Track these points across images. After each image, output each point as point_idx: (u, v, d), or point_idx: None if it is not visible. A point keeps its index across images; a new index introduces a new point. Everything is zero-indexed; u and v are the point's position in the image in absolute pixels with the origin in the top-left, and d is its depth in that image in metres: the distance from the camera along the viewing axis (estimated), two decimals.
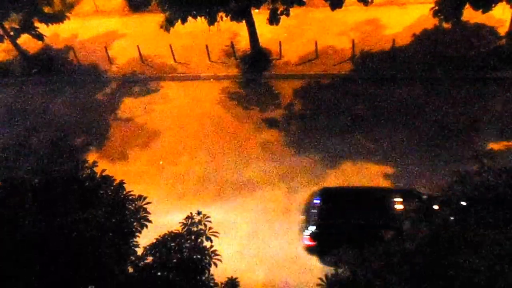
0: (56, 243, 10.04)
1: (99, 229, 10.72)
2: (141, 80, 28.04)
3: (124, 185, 12.55)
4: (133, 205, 12.27)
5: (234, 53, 27.85)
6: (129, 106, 26.88)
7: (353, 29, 27.99)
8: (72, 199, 10.90)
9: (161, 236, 13.18)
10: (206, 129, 24.88)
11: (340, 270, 12.54)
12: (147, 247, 12.87)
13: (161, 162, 23.87)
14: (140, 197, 12.57)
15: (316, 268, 18.38)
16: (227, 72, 27.38)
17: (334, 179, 21.82)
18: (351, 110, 24.33)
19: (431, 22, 25.99)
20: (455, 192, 12.32)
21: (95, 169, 12.22)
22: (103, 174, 12.11)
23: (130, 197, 12.26)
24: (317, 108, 24.78)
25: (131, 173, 22.73)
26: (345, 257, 12.94)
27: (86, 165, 11.91)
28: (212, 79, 27.31)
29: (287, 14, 24.41)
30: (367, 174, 21.74)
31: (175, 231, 13.20)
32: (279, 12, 24.26)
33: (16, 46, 28.75)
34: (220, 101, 26.17)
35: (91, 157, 22.10)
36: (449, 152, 21.69)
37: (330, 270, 12.89)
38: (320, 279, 12.75)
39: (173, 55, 28.13)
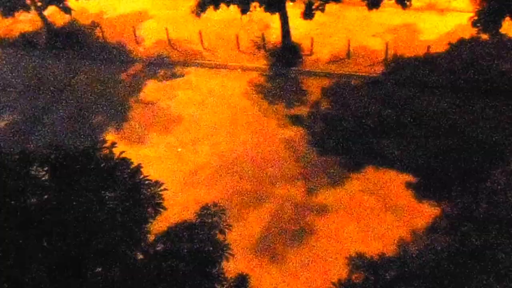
0: (68, 221, 9.60)
1: (112, 212, 10.28)
2: (167, 63, 27.54)
3: (141, 169, 12.16)
4: (149, 190, 11.88)
5: (264, 45, 27.20)
6: (152, 89, 26.42)
7: (388, 31, 27.15)
8: (87, 179, 10.46)
9: (174, 224, 12.80)
10: (228, 119, 24.32)
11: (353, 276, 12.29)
12: (159, 234, 12.48)
13: (179, 149, 23.37)
14: (156, 183, 12.16)
15: None
16: (255, 63, 26.75)
17: (355, 183, 21.13)
18: (379, 114, 23.54)
19: (468, 32, 25.03)
20: None
21: (113, 150, 11.84)
22: (121, 156, 11.68)
23: (146, 182, 11.86)
24: (344, 109, 24.04)
25: (147, 157, 22.25)
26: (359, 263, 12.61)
27: (105, 145, 11.48)
28: (239, 70, 26.70)
29: (322, 10, 23.73)
30: (388, 182, 21.00)
31: (189, 221, 12.81)
32: (314, 6, 23.58)
33: (43, 17, 28.46)
34: (246, 93, 25.56)
35: (109, 137, 21.64)
36: (476, 168, 20.72)
37: None
38: (333, 283, 12.31)
39: (201, 41, 27.58)
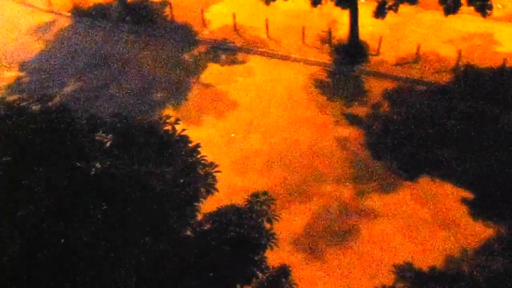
0: (126, 190, 9.75)
1: (169, 186, 10.38)
2: (230, 48, 27.57)
3: (199, 148, 12.29)
4: (203, 170, 11.97)
5: (330, 40, 26.69)
6: (213, 72, 26.52)
7: (462, 39, 26.00)
8: (149, 151, 10.63)
9: (223, 207, 12.79)
10: (284, 111, 24.08)
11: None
12: (207, 214, 12.51)
13: (232, 135, 23.38)
14: (211, 164, 12.25)
15: None
16: (318, 58, 26.30)
17: (407, 191, 20.43)
18: (442, 123, 22.57)
19: None
20: None
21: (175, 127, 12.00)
22: (182, 133, 11.87)
23: (202, 162, 11.97)
24: (406, 114, 23.22)
25: (200, 139, 21.86)
26: None
27: (168, 121, 11.65)
28: (301, 62, 26.34)
29: (396, 10, 22.97)
30: (443, 195, 20.17)
31: (238, 205, 12.77)
32: (388, 5, 22.86)
33: None
34: (305, 86, 25.21)
35: (167, 114, 21.96)
36: None
37: None
38: None
39: (267, 30, 27.41)
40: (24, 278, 9.55)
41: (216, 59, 27.19)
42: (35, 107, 12.50)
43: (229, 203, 12.85)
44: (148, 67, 27.07)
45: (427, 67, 25.00)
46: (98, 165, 9.96)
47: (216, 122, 23.97)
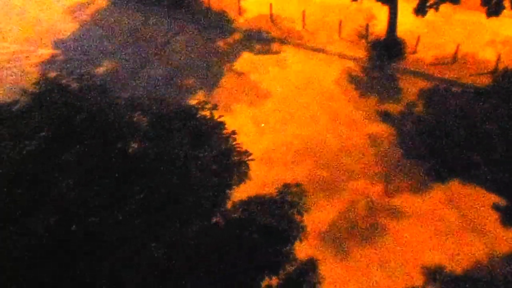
0: (163, 173, 9.78)
1: (204, 171, 10.37)
2: (265, 38, 27.39)
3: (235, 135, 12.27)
4: (238, 157, 11.94)
5: (366, 36, 26.30)
6: (247, 61, 26.41)
7: (503, 42, 25.33)
8: (186, 136, 10.62)
9: (254, 196, 12.76)
10: (316, 104, 23.86)
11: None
12: (237, 202, 12.50)
13: (262, 125, 23.28)
14: (246, 152, 12.21)
15: None
16: (354, 53, 25.96)
17: (438, 193, 20.08)
18: (478, 127, 22.04)
19: None
20: None
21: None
22: (219, 120, 11.84)
23: (237, 149, 11.93)
24: (440, 115, 22.78)
25: (230, 127, 22.29)
26: None
27: (207, 106, 11.63)
28: (336, 56, 26.03)
29: (437, 8, 22.52)
30: (474, 199, 19.77)
31: (268, 195, 12.74)
32: (429, 3, 22.38)
33: None
34: (339, 80, 24.93)
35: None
36: None
37: None
38: None
39: (303, 21, 27.14)
40: (58, 248, 9.69)
41: (250, 48, 27.07)
42: (74, 85, 12.65)
43: (256, 193, 12.83)
44: (182, 51, 27.10)
45: (464, 69, 24.44)
46: (135, 145, 10.01)
47: (247, 111, 23.89)
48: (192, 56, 26.77)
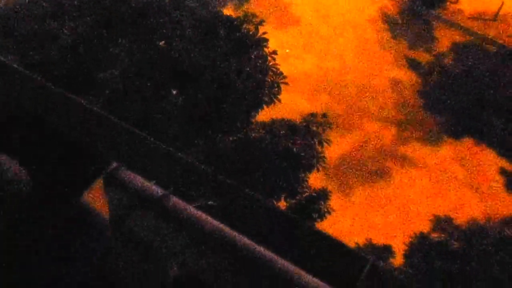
0: (204, 78, 9.66)
1: (244, 82, 10.26)
2: None
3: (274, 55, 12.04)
4: (273, 78, 11.78)
5: None
6: None
7: None
8: (229, 46, 10.38)
9: (277, 119, 12.75)
10: (345, 39, 23.28)
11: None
12: (260, 123, 12.50)
13: (287, 50, 22.77)
14: (281, 74, 12.04)
15: None
16: None
17: (449, 148, 20.14)
18: (503, 91, 21.68)
19: None
20: None
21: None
22: (263, 36, 11.54)
23: (274, 69, 11.73)
24: (468, 72, 22.32)
25: None
26: None
27: (254, 19, 11.26)
28: None
29: None
30: (483, 160, 19.89)
31: (293, 121, 12.74)
32: None
33: None
34: (372, 18, 24.16)
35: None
36: None
37: None
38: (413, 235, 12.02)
39: None
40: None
41: None
42: None
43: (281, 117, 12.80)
44: None
45: (505, 28, 23.65)
46: (178, 45, 9.81)
47: (273, 34, 23.07)
48: None
